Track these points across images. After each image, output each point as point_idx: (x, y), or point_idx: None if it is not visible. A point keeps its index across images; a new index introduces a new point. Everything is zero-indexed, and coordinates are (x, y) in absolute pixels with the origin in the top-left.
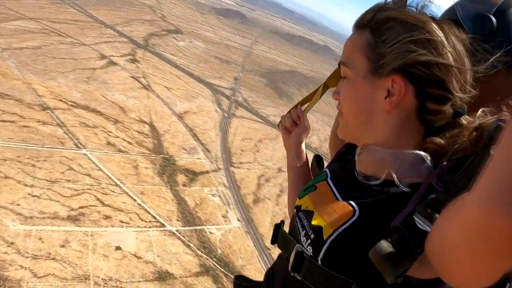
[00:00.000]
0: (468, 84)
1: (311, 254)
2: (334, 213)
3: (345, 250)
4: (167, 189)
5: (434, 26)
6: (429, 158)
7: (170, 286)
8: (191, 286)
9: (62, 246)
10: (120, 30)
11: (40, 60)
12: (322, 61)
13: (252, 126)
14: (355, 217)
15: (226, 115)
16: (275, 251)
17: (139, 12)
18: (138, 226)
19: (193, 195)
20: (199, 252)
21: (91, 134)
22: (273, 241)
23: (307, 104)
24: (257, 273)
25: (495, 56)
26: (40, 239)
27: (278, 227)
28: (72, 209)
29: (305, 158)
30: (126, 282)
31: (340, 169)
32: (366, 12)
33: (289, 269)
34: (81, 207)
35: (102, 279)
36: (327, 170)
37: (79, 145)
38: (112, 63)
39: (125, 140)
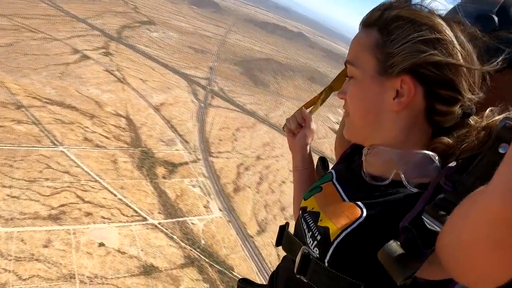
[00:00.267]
0: (477, 84)
1: (318, 255)
2: (341, 214)
3: (353, 251)
4: (147, 182)
5: (444, 25)
6: (437, 158)
7: (156, 279)
8: (177, 278)
9: (45, 246)
10: (92, 23)
11: (12, 57)
12: (296, 48)
13: (229, 115)
14: (362, 218)
15: (202, 105)
16: (258, 239)
17: (111, 4)
18: (120, 221)
19: (174, 187)
20: (182, 244)
21: (67, 131)
22: (277, 243)
23: (312, 107)
24: (241, 261)
25: (501, 57)
26: (22, 240)
27: (283, 229)
28: (53, 208)
29: (310, 160)
30: (112, 278)
31: (346, 170)
32: (373, 11)
33: (295, 271)
34: (61, 206)
35: (87, 277)
36: (332, 171)
37: (56, 142)
38: (86, 57)
39: (102, 135)
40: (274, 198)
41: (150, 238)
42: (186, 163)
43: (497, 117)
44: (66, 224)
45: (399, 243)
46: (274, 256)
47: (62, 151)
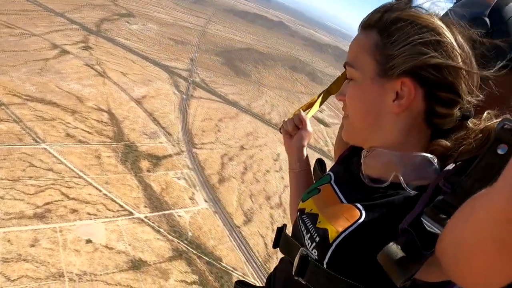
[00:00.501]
0: (476, 87)
1: (316, 257)
2: (340, 215)
3: (352, 253)
4: (132, 176)
5: (444, 28)
6: (436, 160)
7: (145, 273)
8: (166, 271)
9: (32, 245)
10: (70, 17)
11: None
12: (277, 37)
13: (212, 106)
14: (361, 220)
15: (184, 96)
16: (245, 229)
17: None
18: (106, 217)
19: (158, 180)
20: (170, 237)
21: (49, 127)
22: (275, 245)
23: (309, 109)
24: (229, 252)
25: (501, 63)
26: (8, 241)
27: (280, 231)
28: (38, 207)
29: (307, 162)
30: (101, 274)
31: (344, 172)
32: (373, 13)
33: (293, 273)
34: (46, 204)
35: (76, 274)
36: (330, 173)
37: (38, 139)
38: (65, 52)
39: (84, 130)
40: (259, 188)
41: (137, 232)
42: (170, 155)
43: (495, 120)
44: (52, 222)
45: (398, 245)
46: (261, 245)
47: (44, 148)
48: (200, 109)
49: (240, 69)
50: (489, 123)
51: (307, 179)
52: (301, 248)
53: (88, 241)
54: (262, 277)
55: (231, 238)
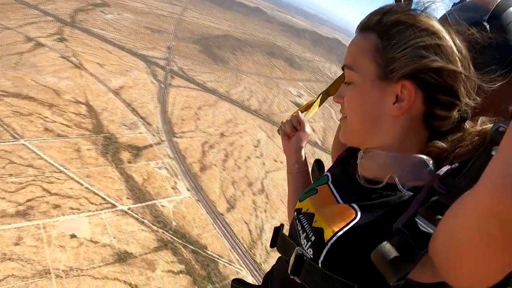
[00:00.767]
0: (474, 90)
1: (311, 256)
2: (335, 215)
3: (346, 252)
4: (113, 168)
5: (444, 32)
6: (431, 162)
7: (131, 265)
8: (152, 262)
9: (16, 244)
10: (44, 9)
11: None
12: (254, 23)
13: (190, 94)
14: (356, 220)
15: (162, 86)
16: (229, 216)
17: None
18: (90, 210)
19: (140, 170)
20: (154, 227)
21: (27, 123)
22: (272, 244)
23: (307, 111)
24: (214, 239)
25: (500, 71)
26: None
27: (277, 230)
28: (20, 204)
29: (305, 163)
30: (87, 269)
31: (342, 173)
32: (371, 15)
33: (289, 272)
34: (28, 200)
35: (62, 270)
36: (328, 173)
37: (16, 135)
38: (40, 44)
39: (63, 124)
40: (241, 174)
41: (121, 225)
42: (151, 145)
43: (491, 124)
44: (35, 219)
45: (392, 244)
46: (245, 232)
47: (23, 144)
48: (179, 98)
49: (218, 56)
50: (486, 126)
51: (305, 180)
52: (297, 248)
53: (73, 236)
54: (248, 263)
55: (215, 226)
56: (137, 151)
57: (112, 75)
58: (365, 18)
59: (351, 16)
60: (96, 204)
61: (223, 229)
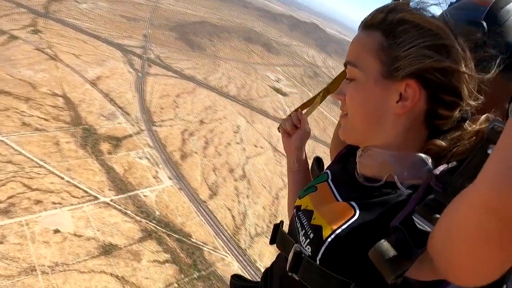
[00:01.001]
0: (475, 90)
1: (310, 254)
2: (334, 213)
3: (344, 250)
4: (93, 160)
5: (447, 31)
6: (430, 160)
7: (117, 257)
8: (137, 253)
9: (0, 242)
10: (16, 0)
11: None
12: (230, 9)
13: (168, 82)
14: (355, 217)
15: (140, 74)
16: (211, 203)
17: None
18: (72, 204)
19: (120, 161)
20: (137, 218)
21: (3, 118)
22: (272, 241)
23: (307, 109)
24: (198, 227)
25: (498, 70)
26: None
27: (277, 227)
28: (1, 201)
29: (305, 161)
30: (73, 263)
31: (341, 170)
32: (375, 13)
33: (287, 269)
34: (9, 197)
35: (48, 266)
36: (328, 171)
37: None
38: (13, 37)
39: (40, 117)
40: (222, 161)
41: (104, 217)
42: (130, 135)
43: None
44: (17, 216)
45: (390, 242)
46: (229, 218)
47: (1, 141)
48: (157, 86)
49: (194, 43)
50: (483, 125)
51: (305, 178)
52: (295, 245)
53: (56, 231)
54: (232, 249)
55: (199, 214)
56: (116, 141)
57: (89, 65)
58: (368, 15)
59: (327, 1)
60: (78, 198)
61: (207, 216)
